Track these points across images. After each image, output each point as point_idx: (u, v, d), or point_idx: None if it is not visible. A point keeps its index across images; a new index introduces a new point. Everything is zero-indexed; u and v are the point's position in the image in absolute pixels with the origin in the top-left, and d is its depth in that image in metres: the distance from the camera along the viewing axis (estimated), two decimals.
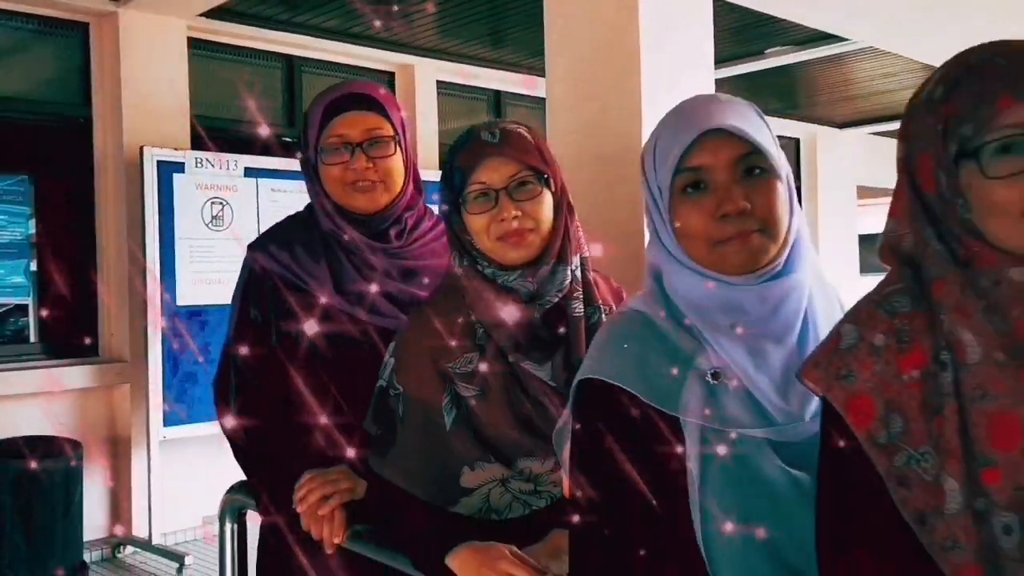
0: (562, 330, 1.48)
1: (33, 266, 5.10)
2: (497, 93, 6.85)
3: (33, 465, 4.29)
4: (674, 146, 1.21)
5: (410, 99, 6.22)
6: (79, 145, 5.01)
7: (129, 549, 4.81)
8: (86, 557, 4.59)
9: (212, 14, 5.09)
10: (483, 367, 1.47)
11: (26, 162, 5.06)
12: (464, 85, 6.63)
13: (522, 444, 1.46)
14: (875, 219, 12.01)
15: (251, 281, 1.78)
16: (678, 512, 1.18)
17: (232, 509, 1.86)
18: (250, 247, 1.80)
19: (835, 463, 1.04)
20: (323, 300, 1.71)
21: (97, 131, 5.00)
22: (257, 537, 1.86)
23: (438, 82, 6.41)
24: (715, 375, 1.20)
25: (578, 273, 1.52)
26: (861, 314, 1.06)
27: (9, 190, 5.01)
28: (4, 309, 5.05)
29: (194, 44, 5.25)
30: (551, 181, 1.49)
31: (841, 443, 1.02)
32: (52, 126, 5.06)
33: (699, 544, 1.16)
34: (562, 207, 1.51)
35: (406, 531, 1.48)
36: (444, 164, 1.53)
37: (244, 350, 1.76)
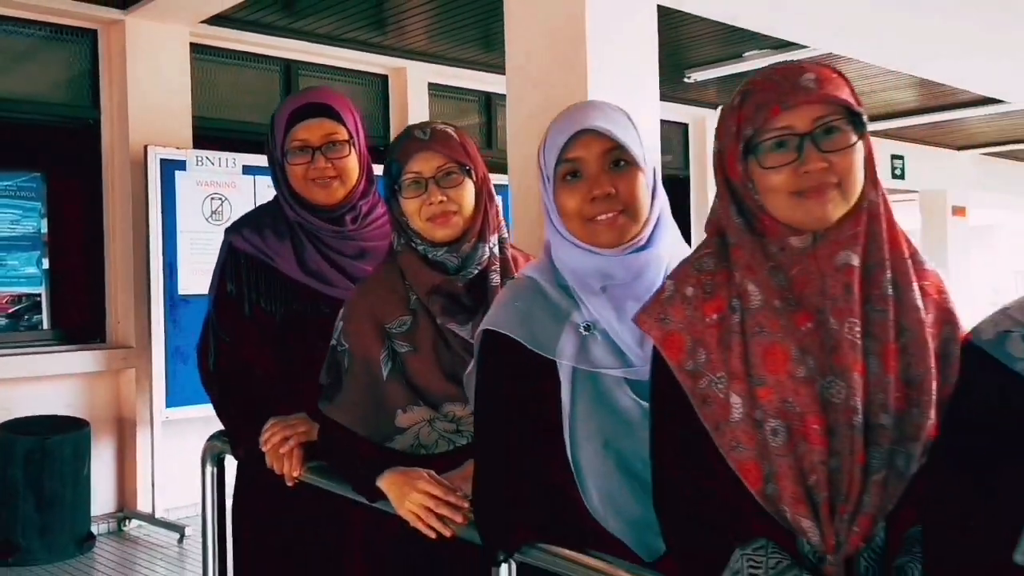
0: (481, 297, 1.78)
1: (45, 258, 5.42)
2: (488, 95, 7.14)
3: (45, 442, 4.62)
4: (557, 142, 1.52)
5: (402, 101, 6.52)
6: (88, 144, 5.30)
7: (134, 522, 5.12)
8: (94, 530, 4.91)
9: (213, 21, 5.38)
10: (415, 327, 1.78)
11: (38, 160, 5.36)
12: (455, 87, 6.92)
13: (447, 391, 1.75)
14: None
15: (228, 260, 2.08)
16: (555, 434, 1.48)
17: (213, 455, 2.17)
18: (227, 231, 2.11)
19: (659, 388, 1.34)
20: (288, 275, 2.02)
21: (104, 131, 5.29)
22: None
23: (430, 84, 6.69)
24: (587, 327, 1.51)
25: (496, 250, 1.81)
26: (679, 272, 1.36)
27: (22, 187, 5.33)
28: (21, 306, 5.36)
29: (196, 49, 5.53)
30: (473, 172, 1.79)
31: (662, 372, 1.33)
32: (62, 127, 5.35)
33: (569, 459, 1.47)
34: (482, 194, 1.80)
35: (348, 463, 1.79)
36: (385, 158, 1.83)
37: (222, 318, 2.07)
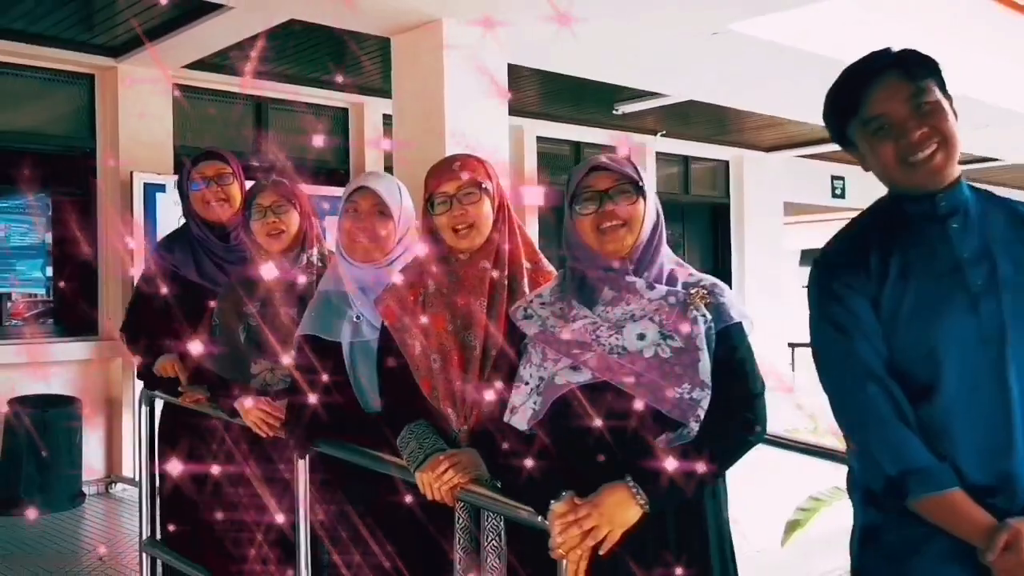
0: (302, 291, 2.74)
1: (49, 265, 6.41)
2: None
3: (45, 415, 5.60)
4: (348, 190, 2.49)
5: (360, 131, 7.50)
6: (85, 170, 6.30)
7: (119, 486, 6.11)
8: (85, 491, 5.87)
9: (193, 66, 6.35)
10: (264, 308, 2.73)
11: (44, 183, 6.35)
12: None
13: (283, 348, 2.71)
14: (804, 235, 13.14)
15: (148, 268, 3.06)
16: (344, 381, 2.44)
17: (147, 397, 3.14)
18: (151, 249, 3.10)
19: (384, 340, 2.30)
20: (189, 278, 2.99)
21: (99, 159, 6.28)
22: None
23: (384, 116, 7.64)
24: (358, 318, 2.46)
25: (315, 260, 2.77)
26: (403, 272, 2.32)
27: (31, 205, 6.32)
28: (35, 311, 6.33)
29: (178, 89, 6.51)
30: (298, 203, 2.75)
31: (384, 330, 2.28)
32: (65, 154, 6.36)
33: (356, 399, 2.42)
34: (303, 218, 2.76)
35: (220, 395, 2.75)
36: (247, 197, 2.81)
37: (142, 307, 3.06)
